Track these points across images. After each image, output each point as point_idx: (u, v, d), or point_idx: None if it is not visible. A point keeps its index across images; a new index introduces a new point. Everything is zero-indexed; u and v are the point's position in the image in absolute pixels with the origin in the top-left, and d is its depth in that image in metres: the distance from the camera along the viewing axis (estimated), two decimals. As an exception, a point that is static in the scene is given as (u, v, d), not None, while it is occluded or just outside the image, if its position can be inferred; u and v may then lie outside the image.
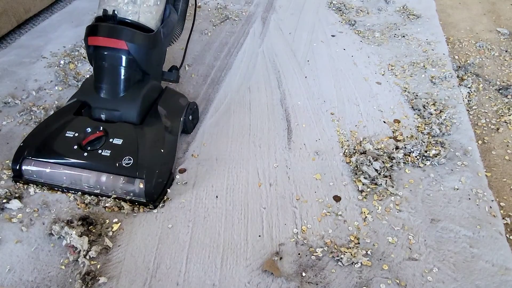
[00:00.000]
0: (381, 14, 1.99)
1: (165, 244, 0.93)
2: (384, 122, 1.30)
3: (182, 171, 1.12)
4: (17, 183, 1.06)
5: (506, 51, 1.72)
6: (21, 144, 1.05)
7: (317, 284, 0.85)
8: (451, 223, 0.97)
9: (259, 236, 0.95)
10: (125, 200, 1.01)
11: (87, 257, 0.89)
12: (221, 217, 0.99)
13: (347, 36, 1.80)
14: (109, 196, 1.01)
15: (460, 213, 1.00)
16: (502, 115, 1.37)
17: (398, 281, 0.85)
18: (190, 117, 1.23)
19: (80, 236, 0.90)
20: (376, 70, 1.56)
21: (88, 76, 1.33)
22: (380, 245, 0.93)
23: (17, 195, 1.03)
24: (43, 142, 1.05)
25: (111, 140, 1.03)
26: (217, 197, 1.05)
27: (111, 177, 1.00)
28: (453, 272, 0.87)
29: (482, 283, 0.85)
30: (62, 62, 1.60)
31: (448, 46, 1.73)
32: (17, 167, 1.04)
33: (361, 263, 0.88)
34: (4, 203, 1.01)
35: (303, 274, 0.87)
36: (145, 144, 1.02)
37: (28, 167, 1.04)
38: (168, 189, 1.06)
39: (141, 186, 0.98)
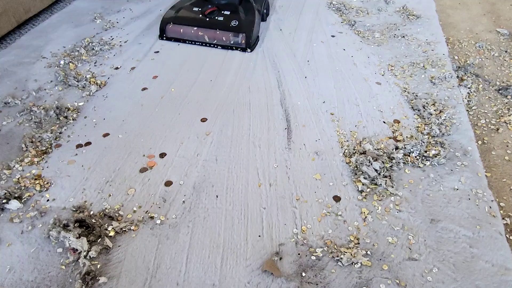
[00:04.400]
0: (381, 14, 1.99)
1: (165, 244, 0.93)
2: (384, 122, 1.30)
3: (182, 171, 1.12)
4: (162, 40, 1.76)
5: (505, 52, 1.72)
6: (164, 16, 1.75)
7: (317, 284, 0.85)
8: (451, 223, 0.97)
9: (259, 236, 0.95)
10: (231, 48, 1.69)
11: (88, 257, 0.89)
12: (221, 217, 0.99)
13: (347, 37, 1.80)
14: (222, 45, 1.70)
15: (460, 213, 1.00)
16: (502, 116, 1.37)
17: (398, 281, 0.85)
18: (265, 11, 1.91)
19: (78, 237, 0.90)
20: (376, 70, 1.56)
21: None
22: (380, 245, 0.93)
23: (16, 195, 1.03)
24: (178, 13, 1.75)
25: (223, 12, 1.72)
26: (217, 197, 1.05)
27: (224, 33, 1.69)
28: (453, 272, 0.87)
29: (482, 283, 0.85)
30: (62, 62, 1.60)
31: (448, 47, 1.73)
32: (163, 30, 1.74)
33: (361, 263, 0.88)
34: (4, 203, 1.01)
35: (303, 274, 0.87)
36: (244, 14, 1.72)
37: (170, 29, 1.74)
38: (257, 42, 1.73)
39: (242, 38, 1.66)
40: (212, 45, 1.70)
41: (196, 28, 1.70)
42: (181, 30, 1.72)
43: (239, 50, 1.67)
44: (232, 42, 1.67)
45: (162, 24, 1.74)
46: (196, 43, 1.72)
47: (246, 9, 1.74)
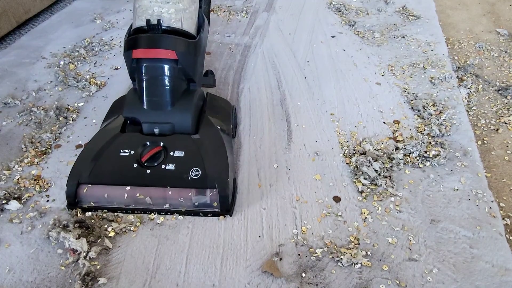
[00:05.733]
0: (381, 14, 1.99)
1: (165, 245, 0.93)
2: (384, 122, 1.30)
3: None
4: (73, 210, 0.98)
5: (505, 52, 1.72)
6: (73, 171, 0.99)
7: (317, 285, 0.85)
8: (451, 223, 0.97)
9: (259, 236, 0.95)
10: (196, 214, 0.98)
11: (87, 258, 0.88)
12: (220, 218, 0.99)
13: (347, 37, 1.80)
14: (178, 212, 0.99)
15: (460, 213, 1.00)
16: (502, 116, 1.37)
17: (398, 282, 0.85)
18: (235, 126, 1.23)
19: (78, 238, 0.90)
20: (376, 70, 1.56)
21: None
22: (380, 245, 0.93)
23: (16, 195, 1.03)
24: (97, 165, 0.99)
25: (171, 153, 1.00)
26: (217, 197, 1.04)
27: (180, 191, 0.97)
28: (453, 272, 0.87)
29: (482, 283, 0.85)
30: (62, 62, 1.60)
31: (448, 47, 1.73)
32: (73, 196, 0.98)
33: (361, 263, 0.88)
34: (3, 204, 1.01)
35: (303, 274, 0.87)
36: (207, 153, 1.00)
37: (85, 194, 0.98)
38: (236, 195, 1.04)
39: (213, 196, 0.97)
40: (161, 213, 0.99)
41: (129, 188, 0.98)
42: (105, 193, 0.98)
43: (209, 216, 0.99)
44: (196, 204, 0.98)
45: (70, 187, 0.98)
46: (135, 212, 0.99)
47: (208, 140, 1.03)
